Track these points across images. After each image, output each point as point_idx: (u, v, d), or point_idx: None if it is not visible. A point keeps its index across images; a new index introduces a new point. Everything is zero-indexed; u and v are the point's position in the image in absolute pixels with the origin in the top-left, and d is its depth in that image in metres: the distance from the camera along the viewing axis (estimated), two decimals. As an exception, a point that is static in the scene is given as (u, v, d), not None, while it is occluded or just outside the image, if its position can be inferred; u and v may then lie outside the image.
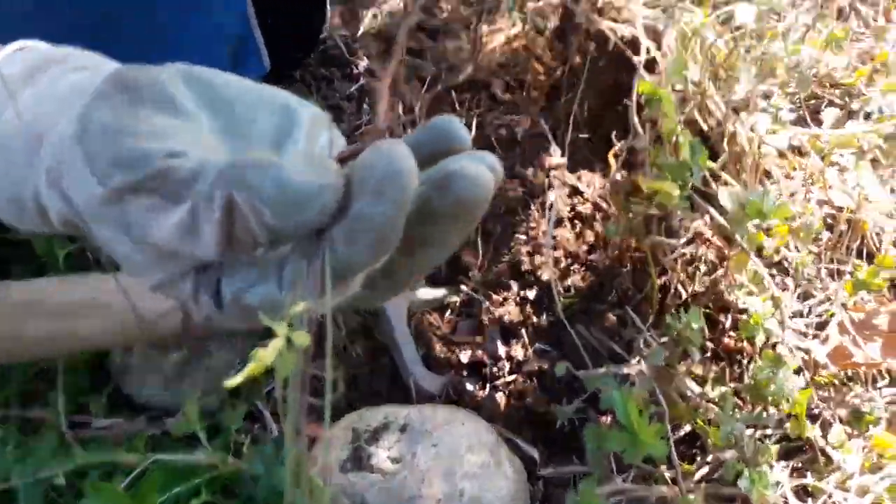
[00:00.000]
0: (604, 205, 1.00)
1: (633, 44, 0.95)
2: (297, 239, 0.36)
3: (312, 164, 0.34)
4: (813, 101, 1.17)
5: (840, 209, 0.97)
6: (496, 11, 1.31)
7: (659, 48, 0.93)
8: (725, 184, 0.97)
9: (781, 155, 1.01)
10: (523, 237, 1.00)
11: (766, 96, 1.09)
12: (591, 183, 1.03)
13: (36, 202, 0.42)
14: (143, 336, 0.86)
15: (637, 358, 0.87)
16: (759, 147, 0.93)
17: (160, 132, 0.36)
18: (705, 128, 0.98)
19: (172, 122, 0.37)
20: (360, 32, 1.25)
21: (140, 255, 0.38)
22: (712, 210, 0.87)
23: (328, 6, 1.25)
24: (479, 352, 0.95)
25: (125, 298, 0.78)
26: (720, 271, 0.92)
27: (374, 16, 1.28)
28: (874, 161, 1.01)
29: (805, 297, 0.96)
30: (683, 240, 0.89)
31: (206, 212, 0.34)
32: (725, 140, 0.96)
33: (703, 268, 0.93)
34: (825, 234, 1.01)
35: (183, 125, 0.37)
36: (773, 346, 0.88)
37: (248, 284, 0.37)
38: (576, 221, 1.02)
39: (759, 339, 0.85)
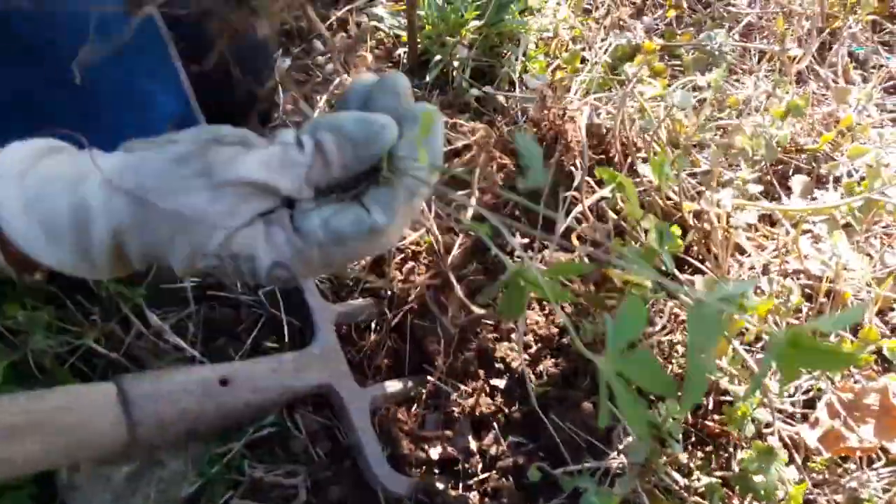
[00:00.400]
0: (573, 285, 0.96)
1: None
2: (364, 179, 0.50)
3: (372, 112, 0.49)
4: (780, 167, 1.15)
5: (818, 279, 0.93)
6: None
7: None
8: (699, 260, 0.94)
9: (751, 227, 0.98)
10: (490, 322, 0.95)
11: (731, 165, 1.06)
12: (557, 262, 0.99)
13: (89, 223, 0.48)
14: (89, 454, 0.80)
15: (616, 451, 0.82)
16: (727, 222, 0.89)
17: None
18: (664, 205, 0.95)
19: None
20: (313, 119, 1.22)
21: (219, 204, 0.46)
22: (686, 298, 0.83)
23: (280, 92, 1.23)
24: (450, 447, 0.89)
25: (67, 416, 0.72)
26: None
27: (328, 101, 1.25)
28: (847, 226, 0.99)
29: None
30: (658, 326, 0.84)
31: (294, 152, 0.47)
32: (691, 216, 0.93)
33: (680, 350, 0.88)
34: (805, 305, 0.97)
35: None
36: (761, 435, 0.82)
37: (332, 213, 0.48)
38: (544, 302, 0.97)
39: (749, 429, 0.79)
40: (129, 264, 0.52)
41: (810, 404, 0.89)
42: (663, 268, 0.84)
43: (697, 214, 0.96)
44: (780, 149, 1.06)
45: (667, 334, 0.89)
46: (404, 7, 1.38)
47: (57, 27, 0.94)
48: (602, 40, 1.40)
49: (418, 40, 1.32)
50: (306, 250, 0.48)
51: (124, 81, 0.98)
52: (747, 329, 0.85)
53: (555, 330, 0.94)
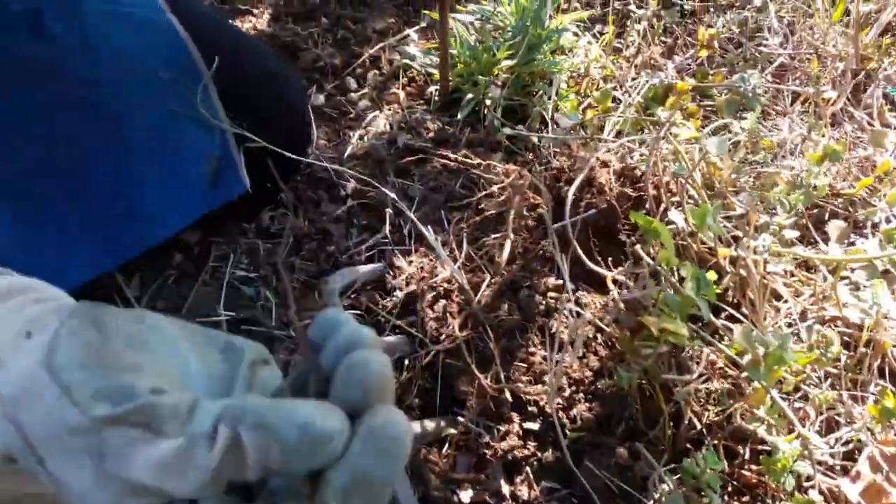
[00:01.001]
0: (606, 328, 0.95)
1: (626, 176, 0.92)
2: (288, 481, 0.38)
3: (322, 408, 0.36)
4: (815, 210, 1.14)
5: (857, 328, 0.92)
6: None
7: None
8: (735, 305, 0.92)
9: (788, 272, 0.97)
10: (523, 365, 0.94)
11: (766, 209, 1.06)
12: (591, 305, 0.99)
13: None
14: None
15: (652, 500, 0.80)
16: (764, 269, 0.88)
17: (137, 368, 0.37)
18: (698, 249, 0.94)
19: (144, 358, 0.38)
20: (346, 154, 1.23)
21: (103, 492, 0.37)
22: (724, 348, 0.82)
23: (313, 128, 1.24)
24: (482, 491, 0.88)
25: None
26: (736, 402, 0.86)
27: (361, 137, 1.26)
28: (886, 272, 0.97)
29: (828, 424, 0.90)
30: (696, 374, 0.83)
31: (201, 449, 0.35)
32: (727, 261, 0.93)
33: (717, 398, 0.87)
34: (843, 353, 0.95)
35: (152, 361, 0.38)
36: (801, 487, 0.81)
37: None
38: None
39: (789, 483, 0.78)
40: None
41: (850, 456, 0.87)
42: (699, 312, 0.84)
43: (733, 260, 0.95)
44: (815, 193, 1.05)
45: (704, 382, 0.88)
46: (436, 46, 1.39)
47: (102, 62, 0.96)
48: (633, 79, 1.40)
49: (450, 79, 1.33)
50: None
51: (159, 122, 1.00)
52: (785, 378, 0.84)
53: (589, 373, 0.93)
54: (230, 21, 1.47)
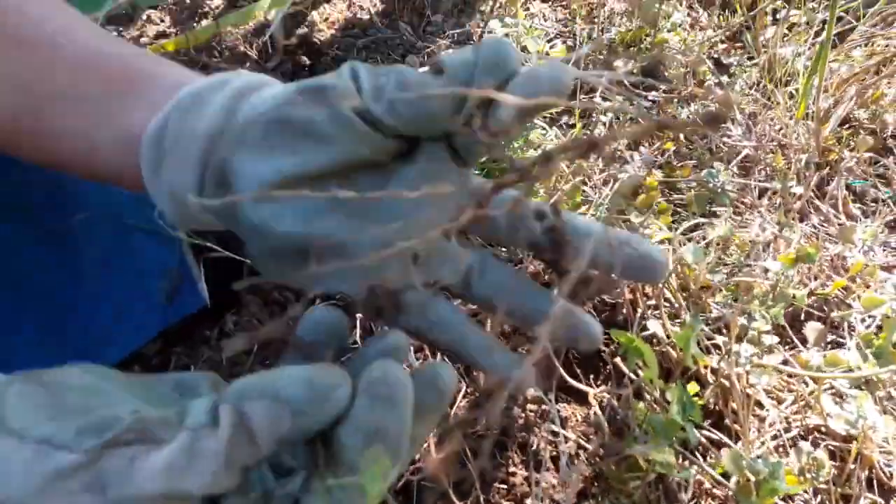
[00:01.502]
0: (587, 445, 0.92)
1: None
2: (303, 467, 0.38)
3: (316, 366, 0.37)
4: (791, 309, 1.13)
5: (844, 439, 0.90)
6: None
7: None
8: (718, 416, 0.90)
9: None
10: (503, 486, 0.90)
11: (743, 312, 1.04)
12: (571, 418, 0.95)
13: None
14: None
15: None
16: (747, 381, 0.86)
17: (106, 404, 0.37)
18: (678, 358, 0.92)
19: (105, 399, 0.37)
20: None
21: None
22: (713, 472, 0.79)
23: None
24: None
25: None
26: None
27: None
28: (867, 381, 0.96)
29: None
30: (685, 501, 0.80)
31: (206, 438, 0.35)
32: (708, 370, 0.90)
33: (707, 522, 0.83)
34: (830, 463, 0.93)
35: (117, 399, 0.38)
36: None
37: None
38: (560, 463, 0.93)
39: None
40: None
41: (844, 577, 0.84)
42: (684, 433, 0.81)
43: (714, 369, 0.93)
44: (792, 295, 1.04)
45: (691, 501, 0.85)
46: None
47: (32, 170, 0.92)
48: (601, 171, 1.40)
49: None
50: None
51: (116, 237, 0.96)
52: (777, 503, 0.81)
53: (573, 496, 0.89)
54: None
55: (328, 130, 0.42)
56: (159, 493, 0.34)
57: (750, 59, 1.69)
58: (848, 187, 1.41)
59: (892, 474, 0.90)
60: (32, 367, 0.92)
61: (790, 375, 0.97)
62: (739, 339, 0.95)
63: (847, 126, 1.54)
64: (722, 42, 1.79)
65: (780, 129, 1.50)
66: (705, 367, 0.93)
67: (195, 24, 1.67)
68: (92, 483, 0.35)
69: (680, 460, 0.85)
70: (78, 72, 0.51)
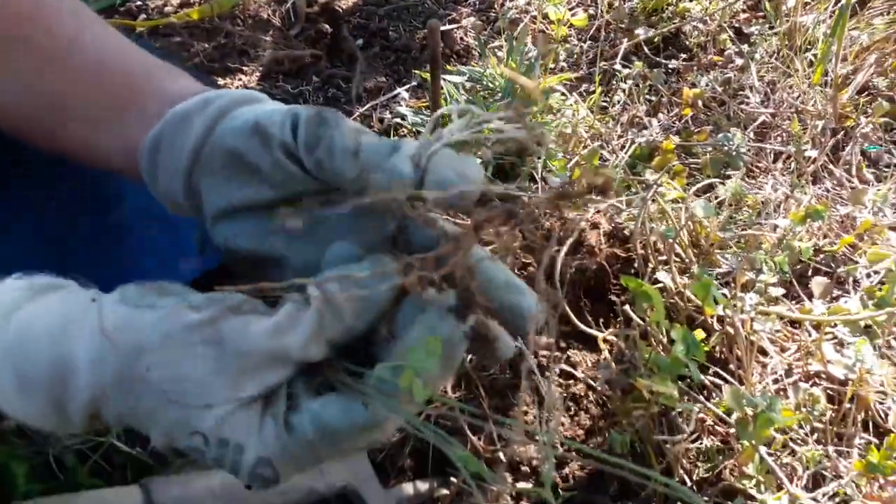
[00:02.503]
0: (597, 385, 0.97)
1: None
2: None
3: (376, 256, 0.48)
4: (799, 266, 1.16)
5: (841, 383, 0.94)
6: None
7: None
8: (722, 361, 0.94)
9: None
10: (515, 424, 0.95)
11: (751, 266, 1.08)
12: (582, 363, 1.00)
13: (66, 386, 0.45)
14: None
15: (645, 561, 0.81)
16: (751, 327, 0.91)
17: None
18: (685, 307, 0.97)
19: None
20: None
21: (220, 377, 0.43)
22: (713, 407, 0.84)
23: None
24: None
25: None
26: (726, 460, 0.87)
27: (357, 197, 1.28)
28: (868, 327, 1.00)
29: (815, 478, 0.91)
30: (686, 433, 0.85)
31: (304, 309, 0.44)
32: (714, 319, 0.95)
33: (707, 456, 0.88)
34: (828, 407, 0.97)
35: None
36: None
37: (324, 405, 0.45)
38: (570, 403, 0.98)
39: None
40: (104, 424, 0.48)
41: (838, 512, 0.88)
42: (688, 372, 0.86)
43: (720, 318, 0.97)
44: (799, 251, 1.08)
45: (693, 441, 0.90)
46: (427, 105, 1.43)
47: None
48: (619, 137, 1.44)
49: (442, 138, 1.36)
50: (293, 448, 0.45)
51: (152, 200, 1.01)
52: (774, 438, 0.85)
53: (580, 432, 0.94)
54: (216, 81, 1.51)
55: (271, 173, 0.50)
56: (266, 349, 0.43)
57: (770, 27, 1.71)
58: (863, 153, 1.44)
59: (886, 416, 0.94)
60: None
61: (793, 324, 1.01)
62: (746, 290, 0.99)
63: (865, 94, 1.56)
64: (743, 11, 1.80)
65: (798, 96, 1.52)
66: (711, 315, 0.97)
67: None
68: (211, 338, 0.43)
69: (684, 401, 0.90)
70: (81, 84, 0.58)
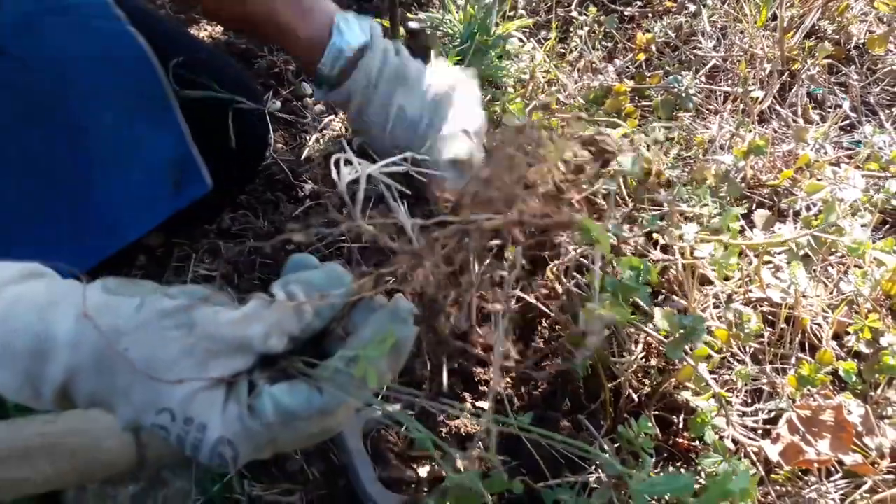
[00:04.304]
0: (549, 311, 1.03)
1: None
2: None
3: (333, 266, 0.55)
4: (744, 201, 1.22)
5: (779, 306, 1.00)
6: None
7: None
8: (669, 291, 1.00)
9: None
10: (474, 347, 1.01)
11: (699, 202, 1.14)
12: (534, 289, 1.06)
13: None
14: (99, 475, 0.84)
15: (593, 466, 0.87)
16: (691, 255, 0.96)
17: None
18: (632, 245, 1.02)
19: None
20: (303, 156, 1.28)
21: (188, 358, 0.48)
22: (652, 331, 0.90)
23: (269, 131, 1.29)
24: (438, 466, 0.94)
25: (79, 438, 0.77)
26: (669, 377, 0.94)
27: (318, 140, 1.31)
28: (805, 257, 1.06)
29: (753, 395, 0.98)
30: (635, 354, 0.91)
31: (269, 305, 0.50)
32: (659, 250, 1.00)
33: (653, 374, 0.95)
34: (766, 330, 1.04)
35: None
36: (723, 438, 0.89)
37: (284, 392, 0.50)
38: (525, 328, 1.03)
39: (709, 436, 0.86)
40: (72, 404, 0.53)
41: (774, 423, 0.95)
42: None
43: (664, 249, 1.03)
44: (743, 185, 1.13)
45: (643, 359, 0.96)
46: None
47: (61, 73, 1.00)
48: (576, 82, 1.48)
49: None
50: (254, 429, 0.50)
51: (121, 130, 1.04)
52: (711, 356, 0.91)
53: (536, 355, 1.00)
54: (186, 29, 1.52)
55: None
56: (232, 336, 0.49)
57: (723, -27, 1.75)
58: (809, 94, 1.50)
59: (822, 337, 1.02)
60: (57, 245, 1.00)
61: (739, 256, 1.07)
62: (690, 221, 1.05)
63: (813, 38, 1.61)
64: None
65: (748, 40, 1.58)
66: (655, 245, 1.03)
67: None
68: (184, 323, 0.48)
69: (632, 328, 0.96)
70: None
